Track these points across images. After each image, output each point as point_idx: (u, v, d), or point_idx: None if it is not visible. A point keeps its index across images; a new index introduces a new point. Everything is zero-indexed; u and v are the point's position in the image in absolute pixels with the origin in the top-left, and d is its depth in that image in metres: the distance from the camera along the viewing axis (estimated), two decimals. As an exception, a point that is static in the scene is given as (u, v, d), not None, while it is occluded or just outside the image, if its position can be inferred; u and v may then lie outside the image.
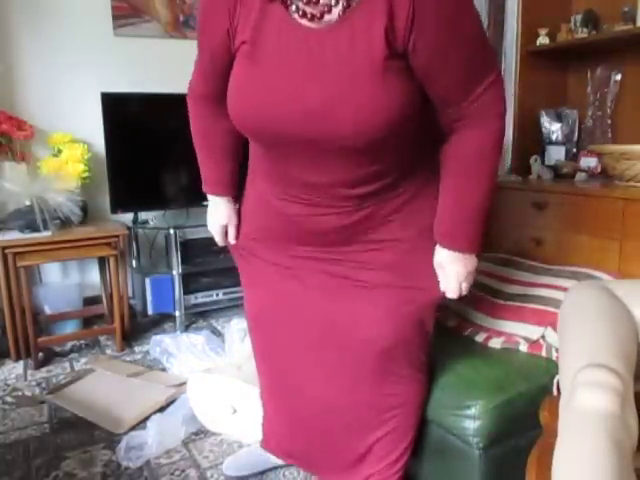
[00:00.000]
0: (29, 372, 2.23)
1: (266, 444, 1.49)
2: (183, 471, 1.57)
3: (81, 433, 1.77)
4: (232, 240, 1.34)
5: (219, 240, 1.37)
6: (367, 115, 0.93)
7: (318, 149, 1.00)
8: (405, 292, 1.18)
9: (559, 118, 2.28)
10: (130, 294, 2.77)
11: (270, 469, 1.55)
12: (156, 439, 1.64)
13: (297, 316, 1.27)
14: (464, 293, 1.17)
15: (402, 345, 1.20)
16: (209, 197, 1.35)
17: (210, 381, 1.74)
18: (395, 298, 1.18)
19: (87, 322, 2.69)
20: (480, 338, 1.49)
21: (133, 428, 1.78)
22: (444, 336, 1.49)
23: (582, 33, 2.13)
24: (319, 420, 1.32)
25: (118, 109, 2.53)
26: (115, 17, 2.70)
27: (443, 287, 1.17)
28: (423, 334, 1.24)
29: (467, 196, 1.08)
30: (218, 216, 1.34)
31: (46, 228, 2.28)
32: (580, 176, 2.07)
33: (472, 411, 1.21)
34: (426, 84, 0.97)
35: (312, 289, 1.24)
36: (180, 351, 2.20)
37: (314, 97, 0.94)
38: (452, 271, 1.14)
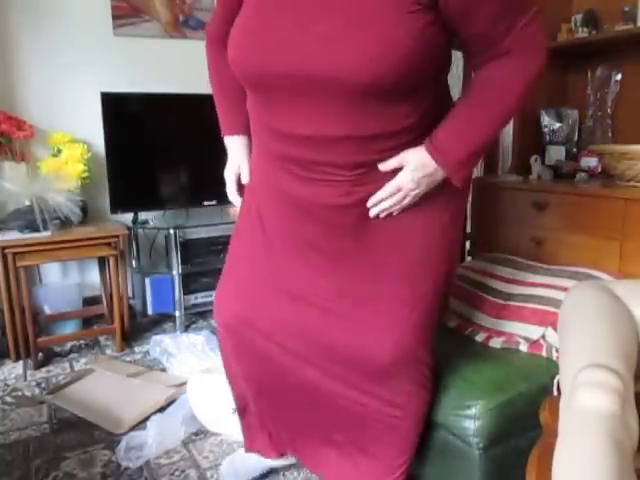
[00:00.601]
0: (29, 372, 2.23)
1: (251, 446, 1.47)
2: (183, 471, 1.57)
3: (81, 433, 1.76)
4: (245, 179, 1.28)
5: (232, 192, 1.31)
6: (379, 49, 0.89)
7: (323, 92, 0.95)
8: (410, 292, 1.14)
9: (559, 118, 2.28)
10: (130, 294, 2.76)
11: (269, 472, 1.53)
12: (156, 439, 1.64)
13: (292, 333, 1.23)
14: (388, 205, 1.07)
15: (405, 360, 1.16)
16: (227, 142, 1.32)
17: (210, 381, 1.74)
18: (398, 304, 1.14)
19: (87, 322, 2.68)
20: (480, 338, 1.49)
21: (133, 428, 1.78)
22: (444, 336, 1.49)
23: (582, 33, 2.12)
24: (320, 428, 1.31)
25: (118, 109, 2.53)
26: (115, 17, 2.70)
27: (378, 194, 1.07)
28: (427, 344, 1.20)
29: (480, 117, 1.01)
30: (233, 158, 1.30)
31: (46, 228, 2.28)
32: (580, 176, 2.06)
33: (472, 411, 1.20)
34: (464, 21, 0.93)
35: (311, 303, 1.20)
36: (180, 351, 2.20)
37: (325, 27, 0.92)
38: (405, 177, 1.04)
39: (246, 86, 1.08)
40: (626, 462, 0.75)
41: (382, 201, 1.07)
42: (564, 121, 2.27)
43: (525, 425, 1.21)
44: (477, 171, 2.82)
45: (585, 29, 2.12)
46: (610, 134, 2.18)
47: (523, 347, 1.42)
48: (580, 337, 0.95)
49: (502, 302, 1.56)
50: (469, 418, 1.21)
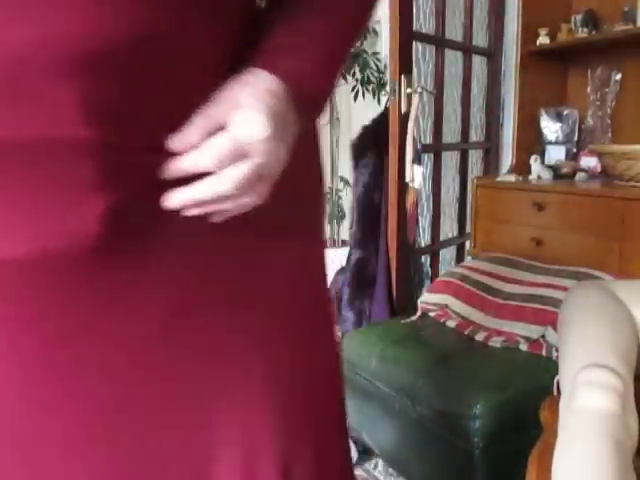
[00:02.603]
0: (29, 372, 2.23)
1: None
2: (183, 471, 1.56)
3: (81, 433, 1.76)
4: None
5: None
6: None
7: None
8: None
9: (559, 118, 2.28)
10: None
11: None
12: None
13: None
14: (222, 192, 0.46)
15: None
16: None
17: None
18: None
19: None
20: (480, 337, 1.49)
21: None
22: (444, 336, 1.50)
23: (582, 33, 2.12)
24: None
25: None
26: (115, 17, 2.70)
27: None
28: None
29: (326, 25, 0.54)
30: None
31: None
32: (580, 176, 2.06)
33: (472, 411, 1.21)
34: None
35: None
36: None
37: None
38: (255, 121, 0.45)
39: None
40: (626, 462, 0.75)
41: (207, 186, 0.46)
42: (564, 121, 2.27)
43: (525, 425, 1.21)
44: (476, 171, 2.82)
45: (585, 29, 2.12)
46: (610, 134, 2.18)
47: (523, 346, 1.43)
48: (580, 337, 0.95)
49: (502, 302, 1.56)
50: (469, 418, 1.21)
